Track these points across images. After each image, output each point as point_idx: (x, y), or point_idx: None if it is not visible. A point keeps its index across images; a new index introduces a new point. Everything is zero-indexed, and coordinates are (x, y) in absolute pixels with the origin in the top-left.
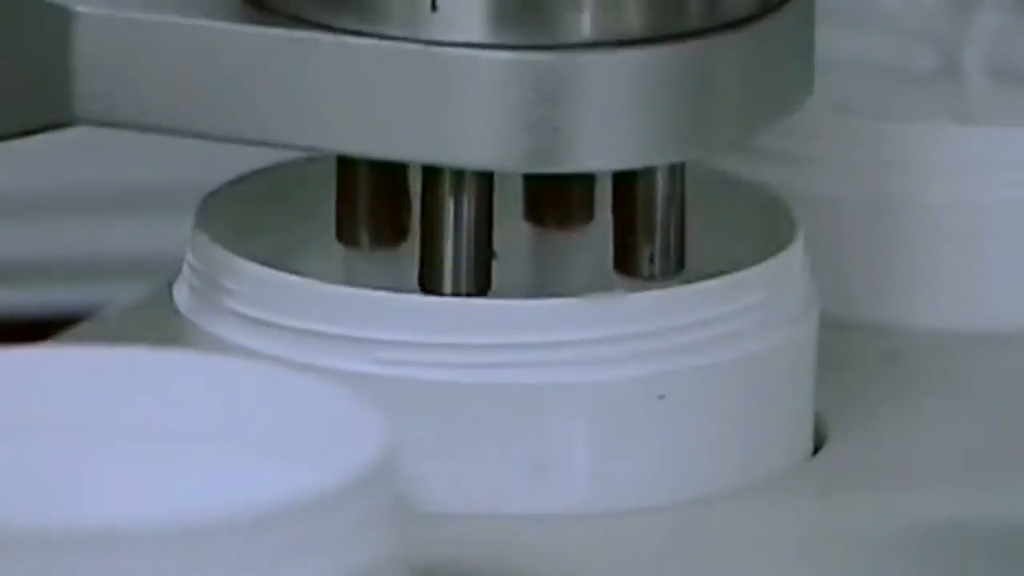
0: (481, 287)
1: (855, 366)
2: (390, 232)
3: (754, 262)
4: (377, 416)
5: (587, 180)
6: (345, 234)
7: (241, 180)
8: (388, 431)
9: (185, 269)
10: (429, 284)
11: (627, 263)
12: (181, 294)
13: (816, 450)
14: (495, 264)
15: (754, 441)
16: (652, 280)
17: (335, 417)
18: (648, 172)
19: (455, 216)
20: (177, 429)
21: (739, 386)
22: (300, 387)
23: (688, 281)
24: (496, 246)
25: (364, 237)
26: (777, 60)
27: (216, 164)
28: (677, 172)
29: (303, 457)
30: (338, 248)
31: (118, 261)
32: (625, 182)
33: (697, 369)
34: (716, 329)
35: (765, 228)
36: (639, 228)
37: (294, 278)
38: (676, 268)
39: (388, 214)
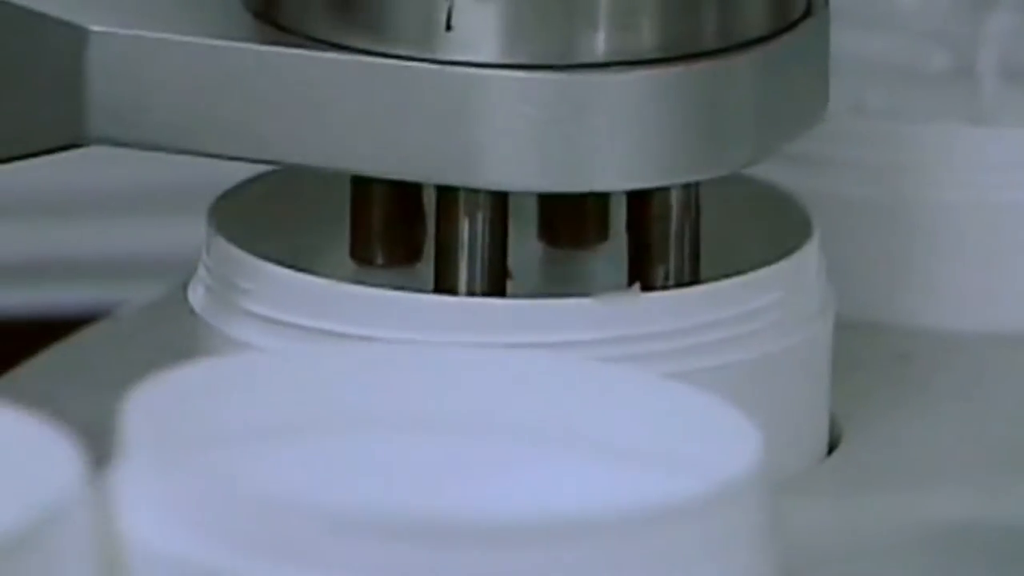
0: None
1: (869, 367)
2: (404, 251)
3: (769, 263)
4: (750, 425)
5: (602, 198)
6: (359, 253)
7: (255, 180)
8: (761, 440)
9: (200, 269)
10: None
11: (642, 280)
12: (196, 294)
13: (830, 451)
14: (510, 283)
15: (768, 442)
16: None
17: (709, 425)
18: (662, 190)
19: (469, 235)
20: (552, 431)
21: (754, 387)
22: (673, 394)
23: (703, 282)
24: (510, 265)
25: (378, 256)
26: (791, 78)
27: (229, 165)
28: (692, 190)
29: (676, 465)
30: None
31: (133, 261)
32: (639, 200)
33: (711, 370)
34: (730, 330)
35: (779, 229)
36: (654, 245)
37: (310, 278)
38: (690, 285)
39: (402, 233)
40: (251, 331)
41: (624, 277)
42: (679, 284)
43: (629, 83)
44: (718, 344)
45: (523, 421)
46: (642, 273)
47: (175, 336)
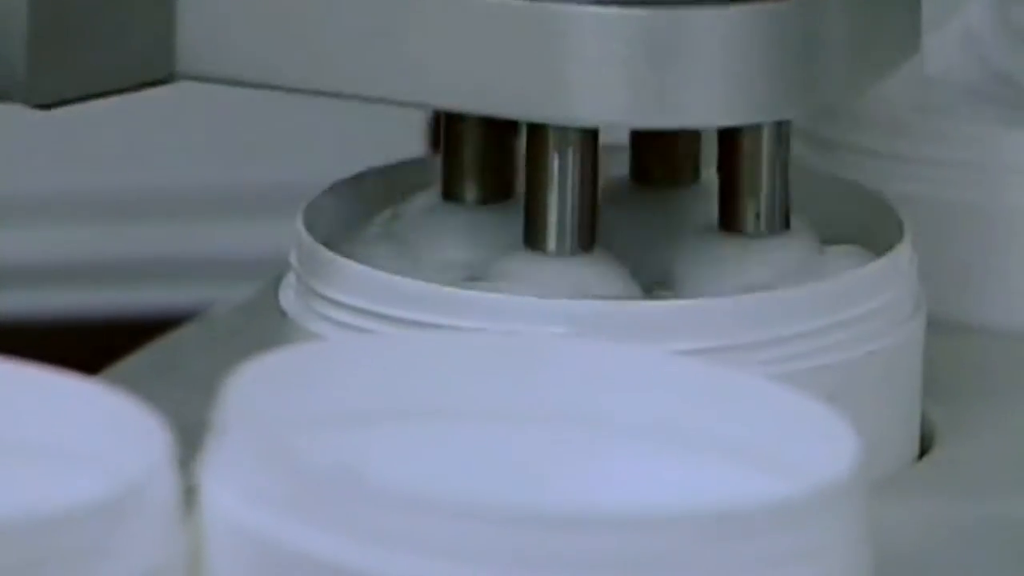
0: (585, 245)
1: (963, 369)
2: (495, 189)
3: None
4: (849, 428)
5: (693, 137)
6: (450, 190)
7: (346, 182)
8: (859, 444)
9: (291, 270)
10: (534, 241)
11: (732, 220)
12: (286, 295)
13: (923, 453)
14: (599, 222)
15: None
16: (758, 238)
17: (807, 426)
18: (754, 128)
19: (560, 173)
20: (650, 426)
21: (847, 388)
22: (771, 394)
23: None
24: (601, 203)
25: (468, 193)
26: (883, 16)
27: (321, 167)
28: (783, 128)
29: (773, 465)
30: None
31: (225, 262)
32: (731, 138)
33: (805, 372)
34: (823, 332)
35: (871, 230)
36: (744, 185)
37: (397, 278)
38: (781, 226)
39: (493, 171)
40: (338, 332)
41: (715, 216)
42: (769, 224)
43: (721, 19)
44: (810, 347)
45: (619, 415)
46: (732, 212)
47: (266, 336)
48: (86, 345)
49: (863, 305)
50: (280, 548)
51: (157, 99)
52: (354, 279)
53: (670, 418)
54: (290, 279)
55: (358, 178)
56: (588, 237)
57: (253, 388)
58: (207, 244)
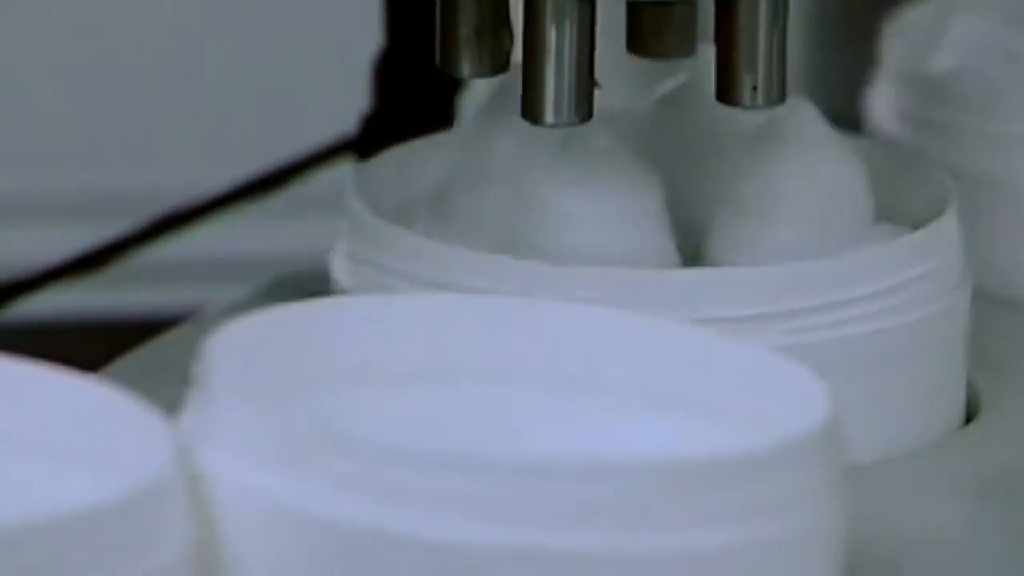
0: (583, 116)
1: (1009, 339)
2: (491, 61)
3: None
4: (819, 383)
5: (689, 8)
6: (447, 62)
7: (389, 152)
8: (831, 398)
9: (342, 239)
10: (532, 113)
11: (730, 93)
12: (339, 265)
13: (968, 420)
14: (597, 93)
15: (908, 409)
16: (755, 109)
17: (778, 386)
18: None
19: (556, 44)
20: (620, 385)
21: (894, 355)
22: (735, 353)
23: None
24: (597, 75)
25: (464, 66)
26: None
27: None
28: (780, 0)
29: (745, 420)
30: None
31: (217, 265)
32: (727, 9)
33: (853, 338)
34: (872, 299)
35: (919, 198)
36: (741, 57)
37: (437, 245)
38: (778, 98)
39: (489, 42)
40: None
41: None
42: (767, 96)
43: None
44: (862, 313)
45: (601, 375)
46: (729, 84)
47: None
48: (85, 345)
49: (907, 273)
50: (280, 504)
51: (157, 99)
52: (404, 247)
53: (651, 378)
54: (341, 247)
55: (404, 147)
56: (586, 109)
57: (237, 348)
58: (199, 247)
